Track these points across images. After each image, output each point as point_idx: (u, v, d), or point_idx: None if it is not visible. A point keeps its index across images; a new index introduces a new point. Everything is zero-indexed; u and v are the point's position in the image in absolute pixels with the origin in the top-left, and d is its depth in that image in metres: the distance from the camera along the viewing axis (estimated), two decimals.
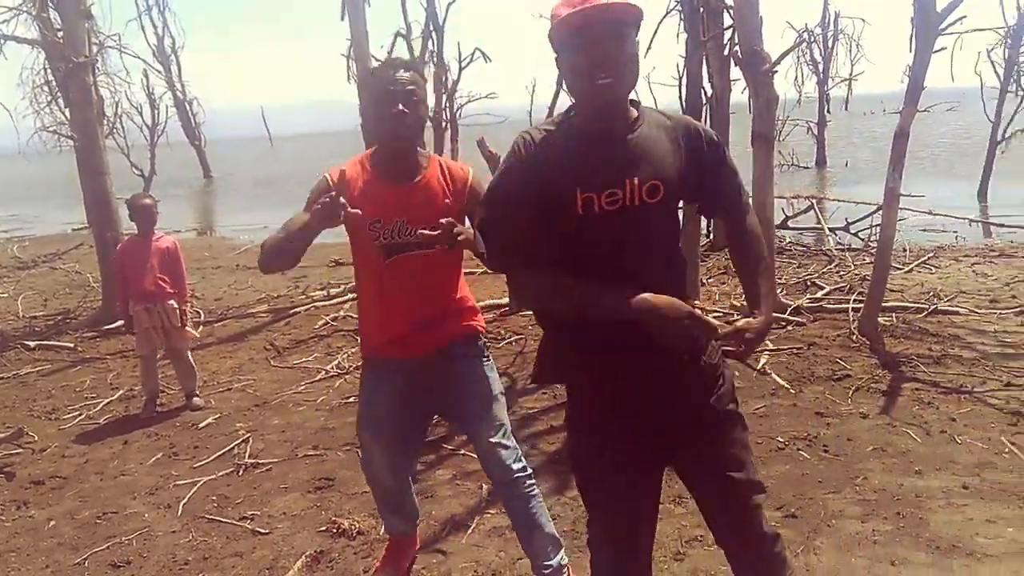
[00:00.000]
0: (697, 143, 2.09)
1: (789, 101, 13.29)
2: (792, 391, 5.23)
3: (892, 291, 7.16)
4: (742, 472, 2.13)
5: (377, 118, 2.78)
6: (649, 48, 8.78)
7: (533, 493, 2.94)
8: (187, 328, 5.78)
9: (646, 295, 1.89)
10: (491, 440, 2.87)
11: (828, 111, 15.29)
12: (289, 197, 24.79)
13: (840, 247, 10.24)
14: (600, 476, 2.16)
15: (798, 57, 17.70)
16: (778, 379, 5.42)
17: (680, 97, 14.00)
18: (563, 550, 3.01)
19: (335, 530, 3.76)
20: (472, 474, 4.30)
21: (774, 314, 2.16)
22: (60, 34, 8.85)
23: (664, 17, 8.34)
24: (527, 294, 2.12)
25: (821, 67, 16.80)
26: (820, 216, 11.39)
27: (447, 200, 2.80)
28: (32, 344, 7.77)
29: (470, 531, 3.70)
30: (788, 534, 2.25)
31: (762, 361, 5.74)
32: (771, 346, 6.08)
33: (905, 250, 9.47)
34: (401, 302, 2.83)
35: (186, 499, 4.26)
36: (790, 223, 11.60)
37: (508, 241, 2.05)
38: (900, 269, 8.52)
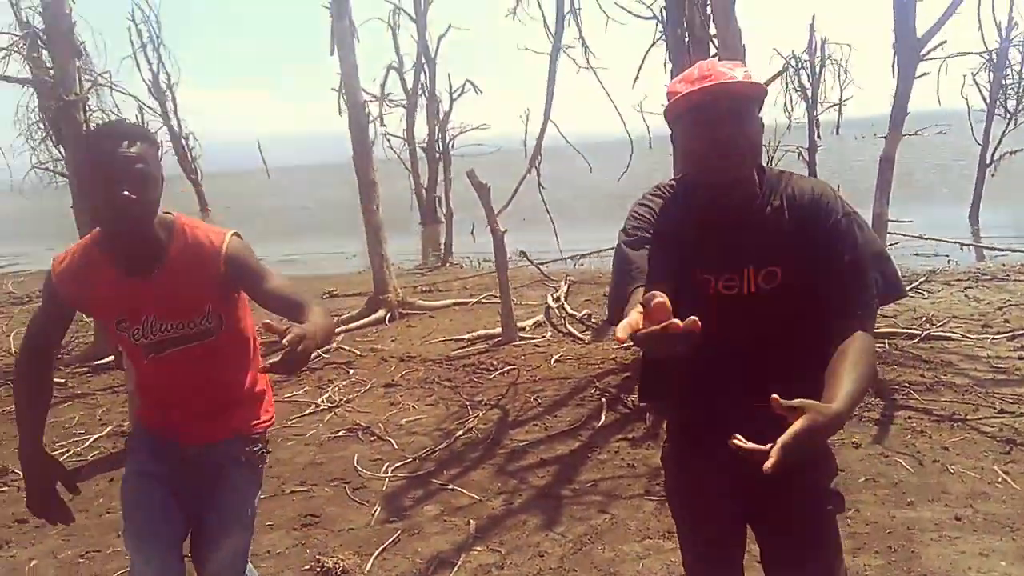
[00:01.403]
0: (822, 223, 1.84)
1: (780, 127, 13.33)
2: None
3: (884, 316, 7.14)
4: (816, 563, 2.00)
5: (95, 204, 2.16)
6: (636, 78, 8.85)
7: None
8: None
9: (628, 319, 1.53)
10: (210, 568, 2.45)
11: (819, 136, 15.33)
12: (286, 227, 24.87)
13: None
14: (686, 512, 2.17)
15: (786, 83, 17.77)
16: None
17: None
18: None
19: (319, 569, 3.72)
20: (460, 509, 4.25)
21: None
22: (51, 73, 8.91)
23: (650, 48, 8.37)
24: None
25: (809, 92, 16.92)
26: None
27: (200, 284, 2.31)
28: None
29: (456, 569, 3.65)
30: None
31: None
32: None
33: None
34: (174, 395, 2.43)
35: None
36: None
37: (625, 267, 1.88)
38: None
